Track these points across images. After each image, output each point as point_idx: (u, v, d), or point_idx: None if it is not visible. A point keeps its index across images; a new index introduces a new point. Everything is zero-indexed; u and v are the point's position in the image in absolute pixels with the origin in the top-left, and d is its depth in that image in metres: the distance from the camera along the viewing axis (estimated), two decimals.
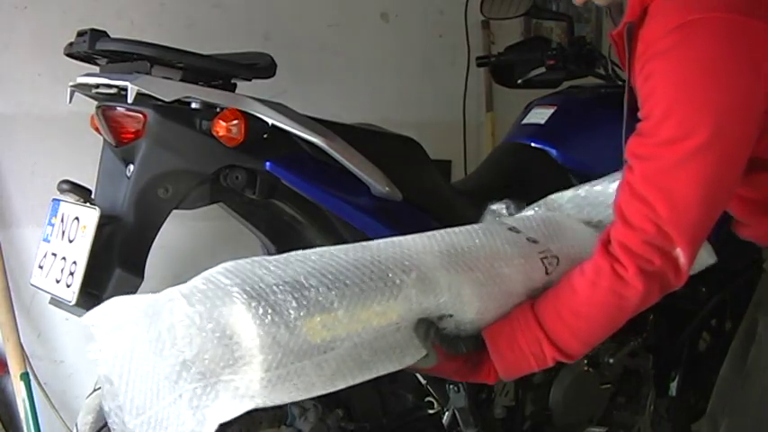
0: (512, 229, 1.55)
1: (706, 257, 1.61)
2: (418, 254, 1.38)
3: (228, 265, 1.24)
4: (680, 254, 1.31)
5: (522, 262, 1.46)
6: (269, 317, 1.16)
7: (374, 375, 1.32)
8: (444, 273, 1.36)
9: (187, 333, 1.15)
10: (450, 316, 1.38)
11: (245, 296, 1.16)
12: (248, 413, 1.90)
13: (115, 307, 1.30)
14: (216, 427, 1.22)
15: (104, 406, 1.28)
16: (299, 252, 1.32)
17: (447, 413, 1.91)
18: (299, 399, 1.26)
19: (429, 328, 1.35)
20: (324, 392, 1.26)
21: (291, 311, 1.18)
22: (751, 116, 1.29)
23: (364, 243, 1.40)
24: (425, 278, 1.33)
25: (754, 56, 1.27)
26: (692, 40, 1.27)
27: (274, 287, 1.19)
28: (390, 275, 1.29)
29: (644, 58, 1.34)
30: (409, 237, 1.45)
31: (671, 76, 1.29)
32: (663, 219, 1.29)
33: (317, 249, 1.33)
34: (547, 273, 1.48)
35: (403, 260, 1.34)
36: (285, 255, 1.31)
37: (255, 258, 1.27)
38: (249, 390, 1.20)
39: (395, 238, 1.44)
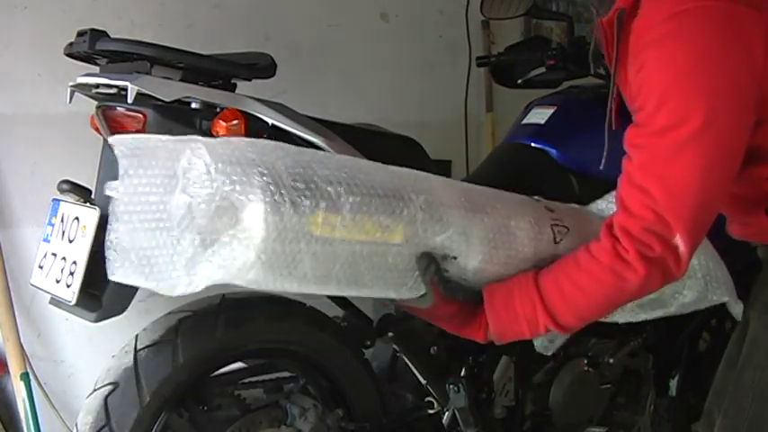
0: (534, 197, 1.60)
1: (723, 293, 1.66)
2: (435, 185, 1.41)
3: (254, 140, 1.28)
4: (679, 242, 1.32)
5: (533, 222, 1.50)
6: (279, 196, 1.19)
7: (368, 294, 1.34)
8: (455, 210, 1.38)
9: (200, 180, 1.17)
10: (455, 258, 1.40)
11: (263, 171, 1.20)
12: (248, 413, 1.92)
13: (142, 138, 1.31)
14: (202, 286, 1.21)
15: (106, 240, 1.27)
16: (324, 153, 1.37)
17: (447, 413, 1.91)
18: (290, 289, 1.26)
19: (431, 263, 1.36)
20: (316, 293, 1.26)
21: (301, 199, 1.21)
22: (744, 102, 1.31)
23: (387, 165, 1.41)
24: (435, 205, 1.36)
25: (746, 43, 1.28)
26: (684, 29, 1.28)
27: (292, 172, 1.23)
28: (401, 193, 1.32)
29: (636, 49, 1.35)
30: (432, 174, 1.47)
31: (663, 64, 1.30)
32: (661, 205, 1.31)
33: (341, 156, 1.36)
34: (555, 241, 1.50)
35: (418, 183, 1.37)
36: (311, 150, 1.34)
37: (280, 144, 1.30)
38: (244, 258, 1.19)
39: (418, 171, 1.45)
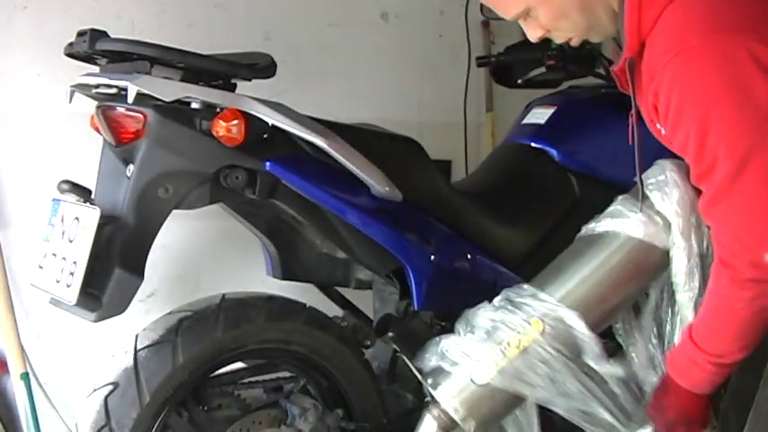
0: None
1: None
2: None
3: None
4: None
5: None
6: None
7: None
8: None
9: None
10: None
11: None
12: (248, 413, 1.92)
13: None
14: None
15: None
16: None
17: None
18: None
19: None
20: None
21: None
22: None
23: None
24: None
25: (757, 60, 1.28)
26: (694, 65, 1.30)
27: None
28: None
29: (651, 89, 1.37)
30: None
31: (689, 101, 1.31)
32: (742, 230, 1.34)
33: None
34: None
35: None
36: None
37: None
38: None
39: None
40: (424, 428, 1.63)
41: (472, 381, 1.56)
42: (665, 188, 1.55)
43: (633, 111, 1.50)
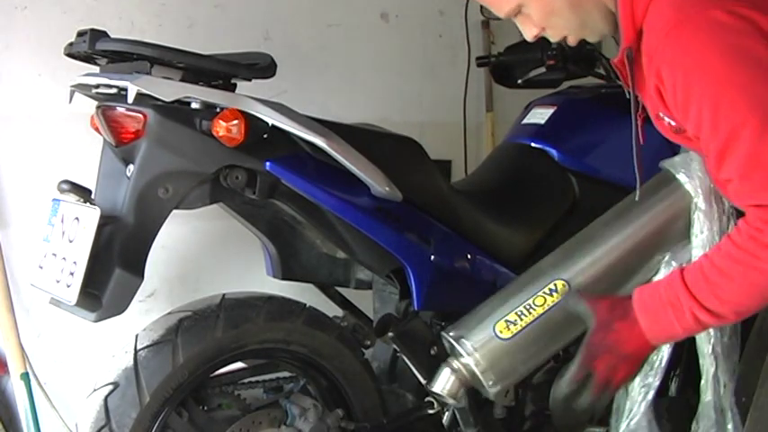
0: None
1: None
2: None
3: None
4: None
5: None
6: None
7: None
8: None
9: None
10: None
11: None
12: (248, 413, 1.92)
13: None
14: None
15: None
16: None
17: (447, 413, 1.91)
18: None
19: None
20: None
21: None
22: None
23: None
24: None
25: (755, 24, 1.28)
26: (693, 36, 1.29)
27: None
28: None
29: (653, 70, 1.36)
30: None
31: (695, 76, 1.30)
32: None
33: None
34: None
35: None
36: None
37: None
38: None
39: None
40: (441, 382, 1.68)
41: (496, 335, 1.60)
42: (687, 160, 1.60)
43: (632, 102, 1.49)
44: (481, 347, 1.62)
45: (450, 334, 1.66)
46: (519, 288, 1.66)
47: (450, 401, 1.72)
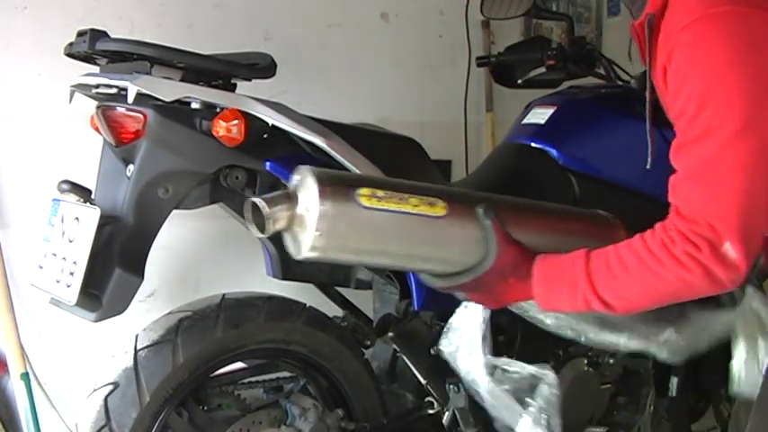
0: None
1: None
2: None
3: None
4: (730, 250, 1.31)
5: None
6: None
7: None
8: None
9: None
10: None
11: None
12: (248, 413, 1.92)
13: None
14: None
15: None
16: None
17: (447, 413, 1.91)
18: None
19: (488, 208, 1.49)
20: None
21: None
22: None
23: None
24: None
25: None
26: (712, 33, 1.30)
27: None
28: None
29: (666, 49, 1.37)
30: None
31: (697, 68, 1.32)
32: (708, 212, 1.31)
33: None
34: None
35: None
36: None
37: None
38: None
39: None
40: (273, 199, 1.47)
41: (355, 195, 1.45)
42: None
43: (647, 59, 1.48)
44: (334, 195, 1.43)
45: (315, 170, 1.47)
46: (414, 183, 1.55)
47: (257, 233, 1.51)
